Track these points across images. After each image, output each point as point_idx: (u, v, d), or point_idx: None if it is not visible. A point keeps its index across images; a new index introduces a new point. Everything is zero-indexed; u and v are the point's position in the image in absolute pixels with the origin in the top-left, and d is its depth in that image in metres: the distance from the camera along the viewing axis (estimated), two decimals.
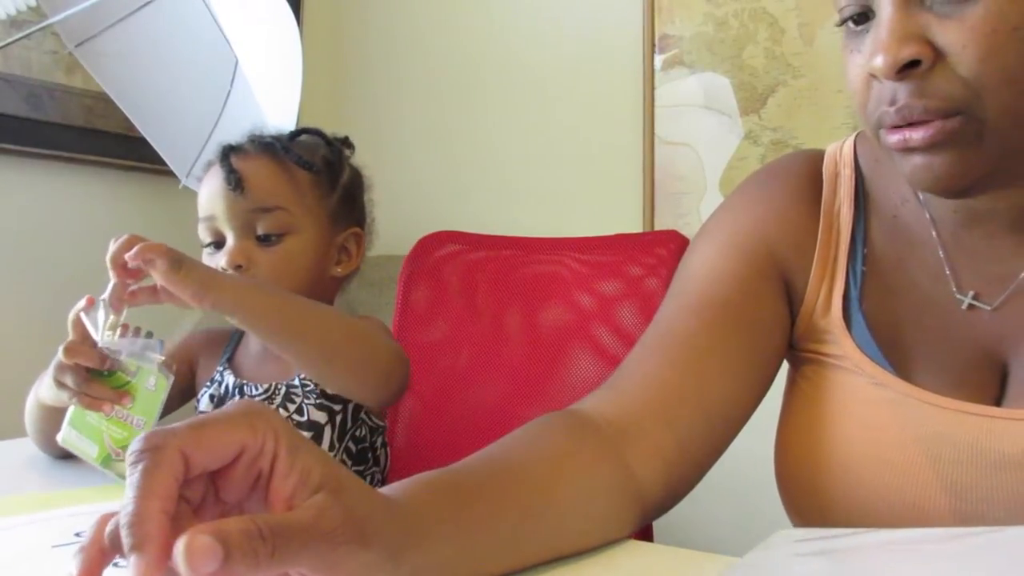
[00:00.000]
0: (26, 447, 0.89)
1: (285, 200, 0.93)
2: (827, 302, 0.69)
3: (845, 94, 1.71)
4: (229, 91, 1.65)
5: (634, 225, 1.93)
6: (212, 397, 0.97)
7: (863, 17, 0.58)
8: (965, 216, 0.64)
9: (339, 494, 0.37)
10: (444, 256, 1.32)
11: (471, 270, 1.30)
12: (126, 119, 1.59)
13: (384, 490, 0.45)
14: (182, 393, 1.01)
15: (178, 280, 0.74)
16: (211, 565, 0.31)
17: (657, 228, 1.88)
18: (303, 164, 0.95)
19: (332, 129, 1.06)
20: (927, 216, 0.67)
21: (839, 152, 0.74)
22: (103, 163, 1.90)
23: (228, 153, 0.94)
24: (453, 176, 2.22)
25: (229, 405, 0.38)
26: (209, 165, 0.97)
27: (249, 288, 0.80)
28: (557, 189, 2.08)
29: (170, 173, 1.66)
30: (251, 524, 0.33)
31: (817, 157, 0.74)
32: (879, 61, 0.55)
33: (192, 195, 1.66)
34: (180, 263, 0.75)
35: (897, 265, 0.68)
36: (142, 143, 1.62)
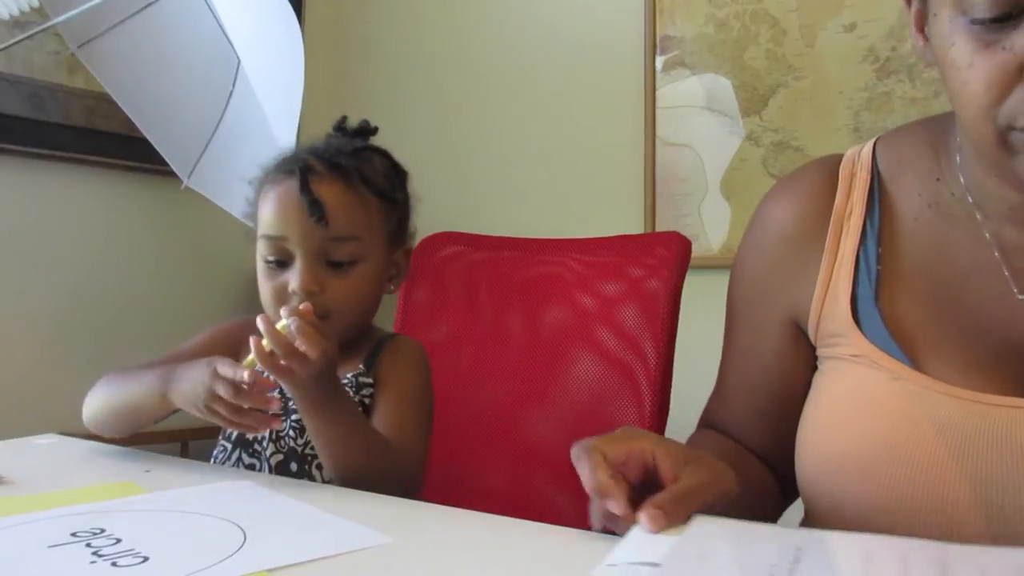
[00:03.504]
0: (25, 447, 0.89)
1: (360, 230, 0.91)
2: (832, 305, 0.70)
3: (846, 95, 1.71)
4: (231, 92, 1.65)
5: (635, 226, 1.93)
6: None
7: (1007, 14, 0.56)
8: (1021, 215, 0.65)
9: (696, 462, 0.59)
10: (446, 257, 1.32)
11: (472, 271, 1.30)
12: (128, 120, 1.59)
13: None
14: None
15: (298, 396, 0.79)
16: (661, 523, 0.53)
17: (658, 229, 1.89)
18: (381, 195, 0.93)
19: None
20: (977, 217, 0.67)
21: (857, 155, 0.75)
22: (104, 163, 1.91)
23: (306, 177, 0.90)
24: (454, 177, 2.22)
25: (620, 431, 0.61)
26: (271, 180, 0.93)
27: (334, 426, 0.81)
28: (558, 190, 2.08)
29: (172, 174, 1.67)
30: (670, 494, 0.56)
31: (834, 161, 0.76)
32: None
33: (193, 195, 1.68)
34: (310, 388, 0.77)
35: (918, 265, 0.69)
36: (143, 144, 1.62)
